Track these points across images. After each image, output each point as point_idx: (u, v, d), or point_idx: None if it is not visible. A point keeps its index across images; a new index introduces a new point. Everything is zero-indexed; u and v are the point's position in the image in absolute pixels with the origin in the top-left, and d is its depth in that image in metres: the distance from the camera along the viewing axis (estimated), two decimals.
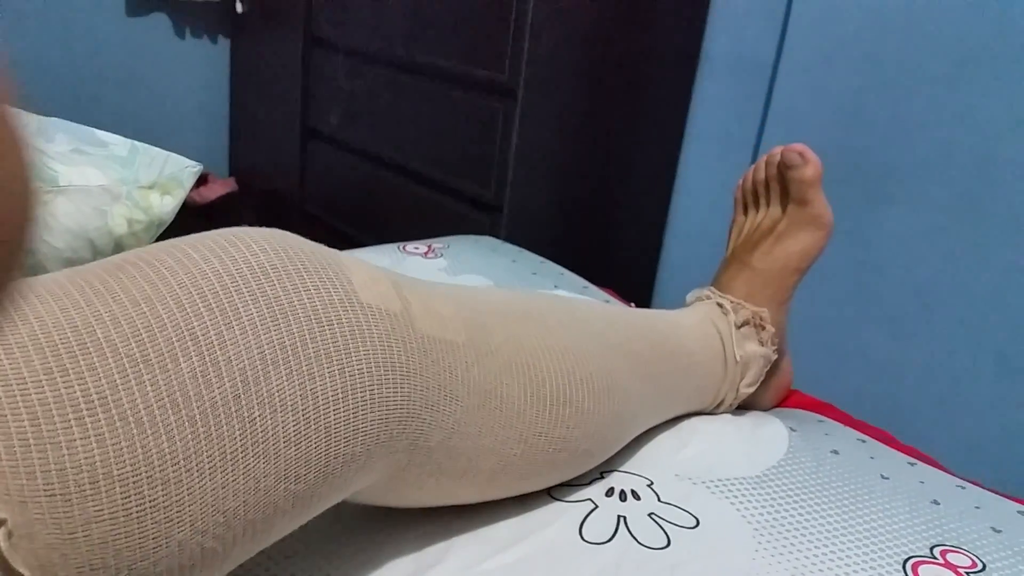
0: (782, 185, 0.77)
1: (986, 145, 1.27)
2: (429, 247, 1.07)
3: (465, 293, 0.56)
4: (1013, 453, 1.29)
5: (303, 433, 0.39)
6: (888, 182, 1.39)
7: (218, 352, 0.37)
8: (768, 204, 0.78)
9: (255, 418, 0.37)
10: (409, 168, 1.66)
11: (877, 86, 1.39)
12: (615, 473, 0.64)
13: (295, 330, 0.39)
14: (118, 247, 0.61)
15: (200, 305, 0.37)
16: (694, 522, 0.60)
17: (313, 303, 0.40)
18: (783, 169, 0.76)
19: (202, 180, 2.09)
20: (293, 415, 0.38)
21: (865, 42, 1.39)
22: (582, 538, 0.56)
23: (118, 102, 2.08)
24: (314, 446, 0.39)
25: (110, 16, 2.03)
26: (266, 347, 0.38)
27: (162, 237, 0.68)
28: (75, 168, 0.60)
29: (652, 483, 0.64)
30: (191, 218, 2.04)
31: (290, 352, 0.39)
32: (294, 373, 0.39)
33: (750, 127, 1.58)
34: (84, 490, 0.33)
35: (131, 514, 0.34)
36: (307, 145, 1.95)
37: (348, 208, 1.87)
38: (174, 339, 0.36)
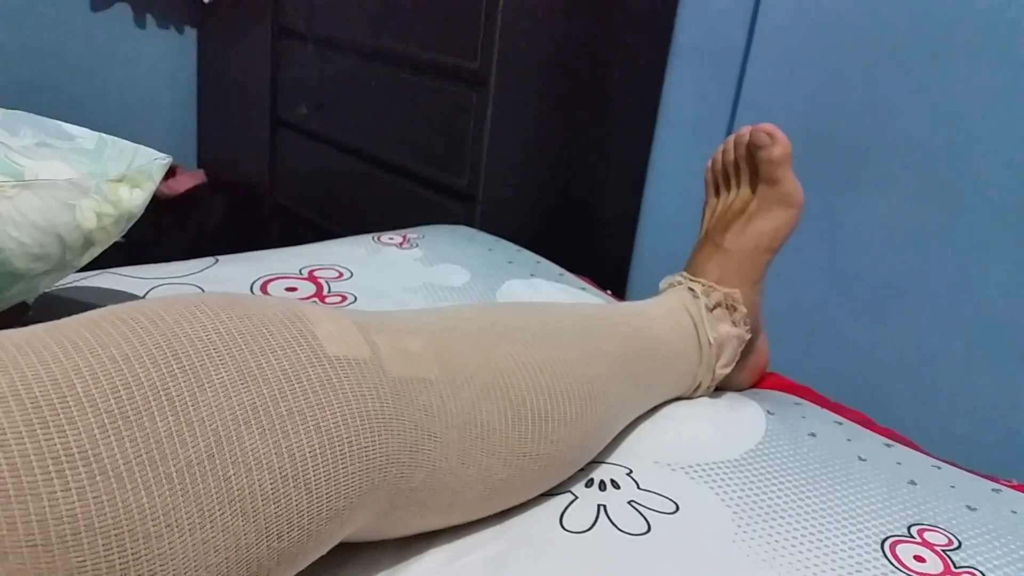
0: (752, 165, 0.77)
1: (955, 129, 1.29)
2: (404, 237, 1.06)
3: (434, 319, 0.56)
4: (984, 434, 1.31)
5: (281, 491, 0.39)
6: (859, 167, 1.40)
7: (192, 412, 0.37)
8: (739, 185, 0.78)
9: (230, 476, 0.38)
10: (381, 158, 1.65)
11: (847, 72, 1.40)
12: (595, 465, 0.64)
13: (265, 391, 0.40)
14: (88, 242, 0.60)
15: (174, 366, 0.38)
16: (674, 507, 0.60)
17: (281, 363, 0.41)
18: (752, 149, 0.76)
19: (171, 172, 2.06)
20: (270, 473, 0.39)
21: (835, 29, 1.40)
22: (563, 527, 0.56)
23: (83, 95, 2.04)
24: (295, 503, 0.40)
25: (74, 7, 2.00)
26: (237, 408, 0.39)
27: (134, 229, 0.67)
28: (41, 162, 0.59)
29: (631, 471, 0.64)
30: (161, 211, 2.02)
31: (261, 412, 0.39)
32: (267, 432, 0.39)
33: (721, 113, 1.58)
34: (66, 541, 0.33)
35: (114, 566, 0.34)
36: (277, 136, 1.93)
37: (319, 199, 1.85)
38: (150, 397, 0.37)
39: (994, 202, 1.26)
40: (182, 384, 0.38)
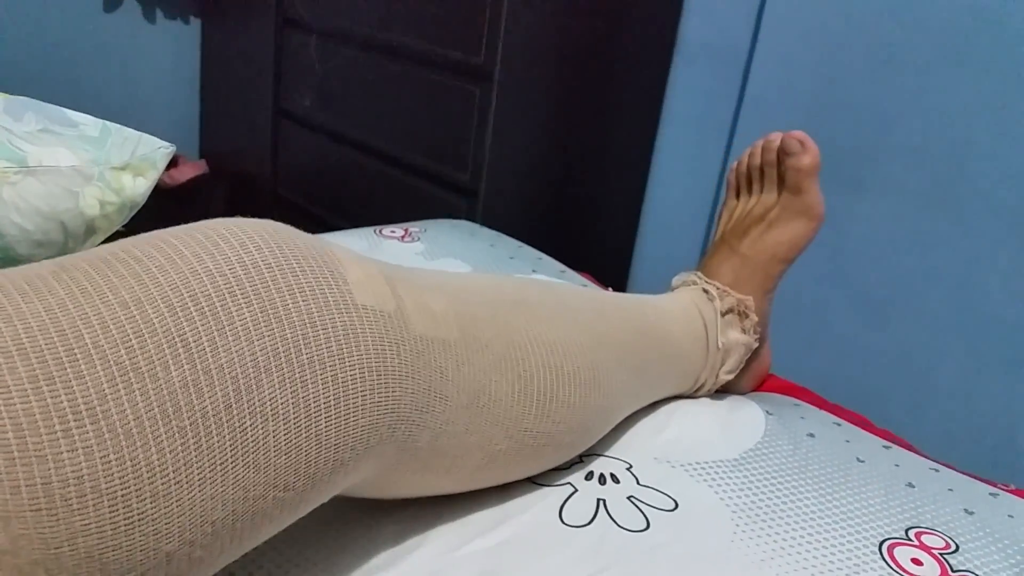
0: (778, 172, 0.76)
1: (960, 133, 1.28)
2: (406, 231, 1.06)
3: (457, 281, 0.55)
4: (983, 438, 1.31)
5: (293, 442, 0.38)
6: (862, 170, 1.40)
7: (210, 359, 0.35)
8: (762, 190, 0.78)
9: (246, 428, 0.36)
10: (384, 151, 1.65)
11: (852, 74, 1.39)
12: (595, 457, 0.64)
13: (289, 335, 0.38)
14: (90, 229, 0.60)
15: (192, 309, 0.36)
16: (673, 505, 0.60)
17: (308, 306, 0.39)
18: (781, 155, 0.75)
19: (173, 162, 2.06)
20: (284, 424, 0.37)
21: (840, 29, 1.40)
22: (562, 521, 0.56)
23: (86, 84, 2.04)
24: (304, 454, 0.38)
25: None
26: (259, 354, 0.37)
27: (134, 219, 0.67)
28: (45, 148, 0.59)
29: (631, 466, 0.64)
30: (163, 200, 2.01)
31: (283, 359, 0.37)
32: (287, 381, 0.37)
33: (725, 113, 1.58)
34: (71, 504, 0.31)
35: (119, 528, 0.33)
36: (279, 127, 1.92)
37: (321, 191, 1.85)
38: (165, 346, 0.34)
39: (996, 207, 1.26)
40: (200, 328, 0.35)
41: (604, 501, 0.59)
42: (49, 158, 0.58)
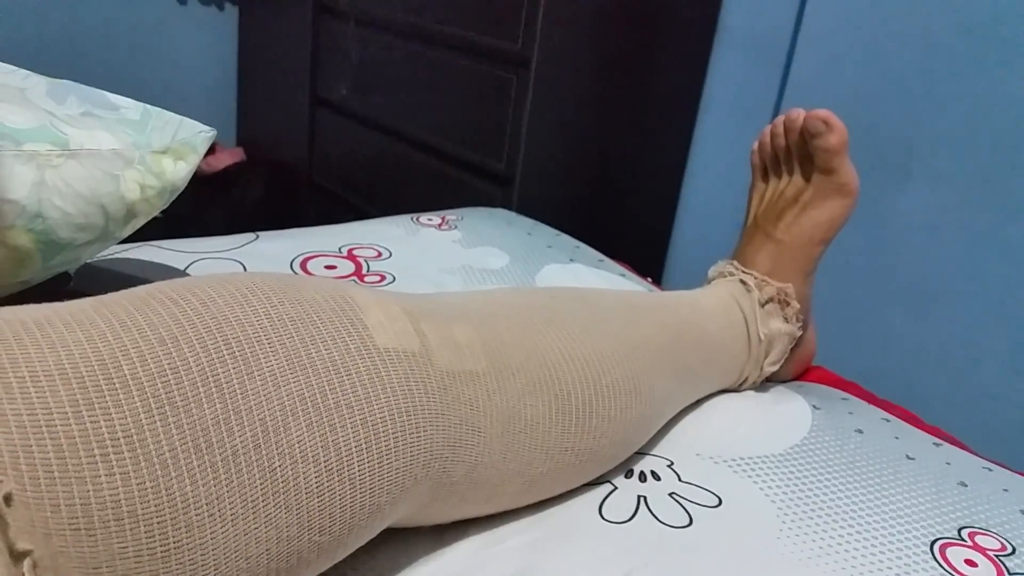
0: (804, 152, 0.73)
1: (1008, 122, 1.25)
2: (443, 219, 1.05)
3: (482, 305, 0.54)
4: None
5: (326, 485, 0.39)
6: (907, 159, 1.37)
7: (240, 400, 0.37)
8: (790, 172, 0.75)
9: (275, 468, 0.37)
10: (420, 139, 1.64)
11: (897, 60, 1.36)
12: (635, 456, 0.63)
13: (314, 382, 0.39)
14: (130, 213, 0.60)
15: (224, 351, 0.37)
16: (716, 501, 0.58)
17: (331, 353, 0.40)
18: (806, 136, 0.73)
19: (210, 149, 2.06)
20: (315, 466, 0.38)
21: (886, 14, 1.36)
22: (602, 517, 0.55)
23: (124, 71, 2.05)
24: (338, 498, 0.39)
25: None
26: (286, 398, 0.38)
27: (171, 205, 0.67)
28: (86, 131, 0.58)
29: (672, 463, 0.63)
30: (200, 187, 2.02)
31: (310, 404, 0.39)
32: (314, 425, 0.39)
33: (767, 100, 1.55)
34: (108, 526, 0.33)
35: (156, 554, 0.34)
36: (316, 115, 1.93)
37: (357, 179, 1.85)
38: (199, 383, 0.36)
39: None
40: (231, 370, 0.37)
41: (645, 498, 0.58)
42: (90, 141, 0.58)
